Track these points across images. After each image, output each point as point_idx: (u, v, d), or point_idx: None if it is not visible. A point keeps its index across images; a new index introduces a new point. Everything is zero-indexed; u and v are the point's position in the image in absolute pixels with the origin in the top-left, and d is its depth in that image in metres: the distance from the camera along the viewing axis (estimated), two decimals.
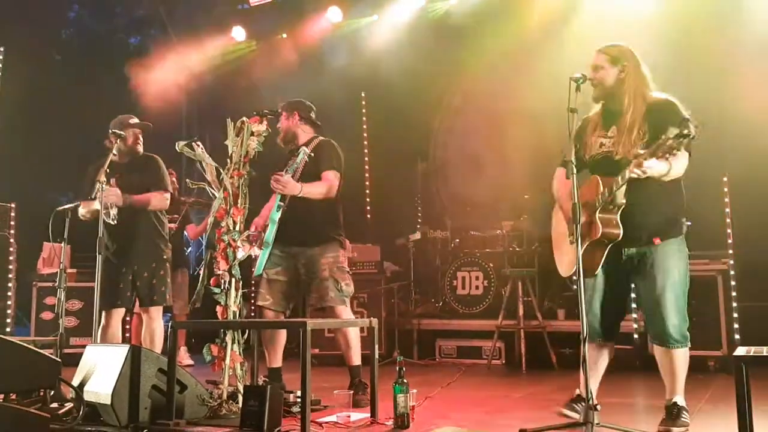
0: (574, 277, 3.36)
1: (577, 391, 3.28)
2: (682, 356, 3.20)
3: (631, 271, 3.31)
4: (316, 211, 4.17)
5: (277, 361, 4.20)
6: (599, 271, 3.25)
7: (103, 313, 4.42)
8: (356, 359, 4.16)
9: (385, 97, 8.15)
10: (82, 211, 4.43)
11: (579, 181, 3.14)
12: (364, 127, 8.73)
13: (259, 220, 4.27)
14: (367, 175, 8.70)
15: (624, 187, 3.15)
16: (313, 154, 4.09)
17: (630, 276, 3.34)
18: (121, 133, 4.43)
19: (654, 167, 3.04)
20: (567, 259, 3.41)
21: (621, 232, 3.18)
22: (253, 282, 5.60)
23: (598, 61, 3.34)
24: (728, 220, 5.46)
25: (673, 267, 3.21)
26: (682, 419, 3.12)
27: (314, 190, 4.12)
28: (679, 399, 3.19)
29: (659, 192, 3.24)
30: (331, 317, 4.14)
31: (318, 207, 4.17)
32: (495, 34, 7.36)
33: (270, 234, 4.04)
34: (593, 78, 3.30)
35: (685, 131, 2.86)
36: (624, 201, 3.19)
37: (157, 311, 4.54)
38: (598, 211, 3.17)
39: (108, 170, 4.20)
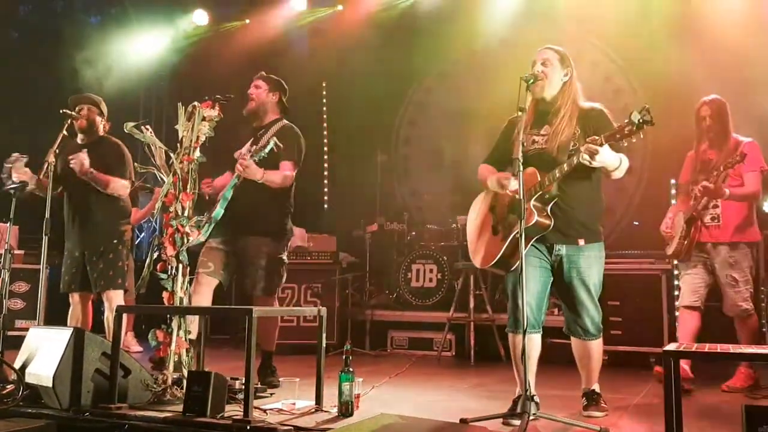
0: (491, 269, 3.47)
1: (518, 391, 3.35)
2: (597, 347, 3.43)
3: (558, 268, 3.40)
4: (267, 198, 4.19)
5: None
6: (531, 263, 3.33)
7: (69, 296, 4.45)
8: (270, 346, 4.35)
9: (346, 87, 8.15)
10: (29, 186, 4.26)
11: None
12: (324, 116, 8.72)
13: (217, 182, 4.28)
14: (325, 165, 8.70)
15: (556, 182, 3.24)
16: (280, 144, 4.07)
17: (555, 271, 3.42)
18: (70, 112, 4.33)
19: (607, 156, 3.08)
20: (486, 250, 3.45)
21: (551, 223, 3.27)
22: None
23: (547, 55, 3.39)
24: None
25: (594, 273, 3.38)
26: (602, 404, 3.38)
27: (273, 179, 4.14)
28: (596, 387, 3.45)
29: (588, 194, 3.37)
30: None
31: (269, 195, 4.18)
32: (461, 31, 7.42)
33: (219, 212, 4.03)
34: (540, 73, 3.34)
35: (646, 117, 2.93)
36: (557, 193, 3.27)
37: (115, 295, 4.41)
38: (533, 199, 3.24)
39: (57, 151, 4.12)
